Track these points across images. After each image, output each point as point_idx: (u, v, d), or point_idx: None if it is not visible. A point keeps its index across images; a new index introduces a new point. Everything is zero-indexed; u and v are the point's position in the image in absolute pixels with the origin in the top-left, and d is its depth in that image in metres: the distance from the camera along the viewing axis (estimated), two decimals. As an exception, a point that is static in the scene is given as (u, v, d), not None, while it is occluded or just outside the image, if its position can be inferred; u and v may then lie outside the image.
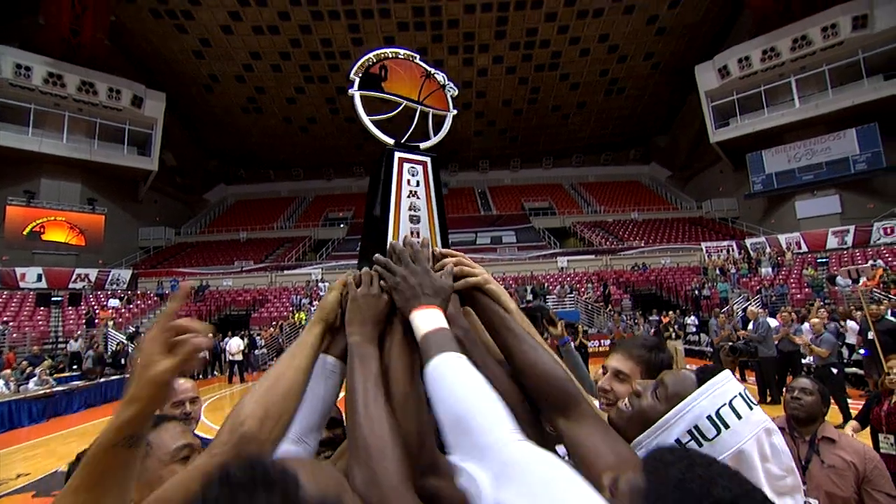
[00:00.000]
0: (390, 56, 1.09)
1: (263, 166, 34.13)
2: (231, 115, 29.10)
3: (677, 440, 0.72)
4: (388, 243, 0.92)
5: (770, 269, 18.33)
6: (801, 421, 2.09)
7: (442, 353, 0.67)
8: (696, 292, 17.45)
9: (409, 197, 1.00)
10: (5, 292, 18.12)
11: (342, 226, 29.54)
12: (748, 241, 21.47)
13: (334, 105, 28.39)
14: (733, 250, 21.20)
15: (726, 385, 0.74)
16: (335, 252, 26.36)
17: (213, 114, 28.89)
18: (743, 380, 8.61)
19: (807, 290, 15.86)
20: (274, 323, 17.71)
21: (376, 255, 0.88)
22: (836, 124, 20.49)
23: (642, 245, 24.08)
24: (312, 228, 29.22)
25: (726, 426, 0.70)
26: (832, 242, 19.38)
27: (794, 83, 21.50)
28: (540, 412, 0.77)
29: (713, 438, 0.70)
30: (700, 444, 0.70)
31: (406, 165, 1.02)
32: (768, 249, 20.23)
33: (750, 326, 8.64)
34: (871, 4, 18.90)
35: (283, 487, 0.41)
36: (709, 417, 0.71)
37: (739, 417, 0.71)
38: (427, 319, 0.75)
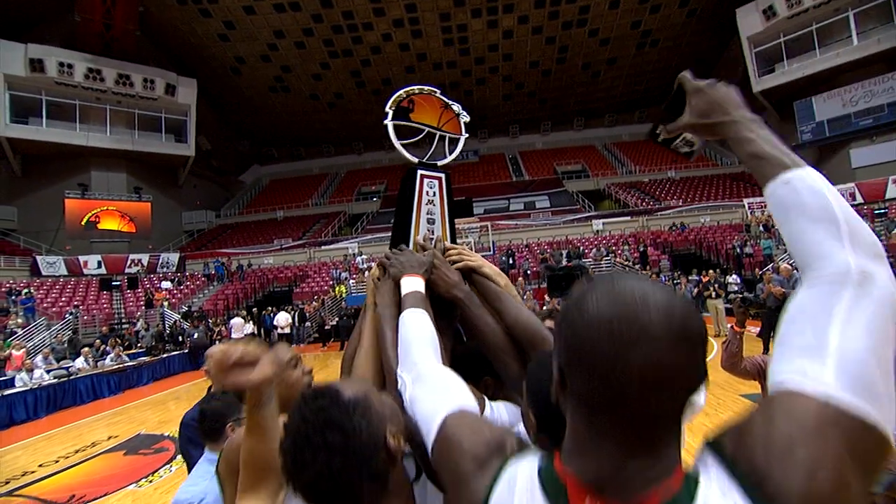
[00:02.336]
0: (416, 92, 1.40)
1: (294, 145, 34.76)
2: (259, 96, 29.59)
3: None
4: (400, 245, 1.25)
5: (819, 223, 17.37)
6: None
7: (409, 308, 1.00)
8: (738, 250, 16.88)
9: (427, 204, 1.31)
10: (72, 279, 19.65)
11: (375, 199, 29.94)
12: (796, 195, 20.33)
13: (360, 78, 28.33)
14: (779, 205, 20.16)
15: None
16: (370, 226, 26.87)
17: (242, 95, 29.45)
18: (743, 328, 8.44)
19: (860, 243, 15.02)
20: (316, 297, 18.45)
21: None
22: (900, 61, 18.70)
23: (680, 204, 23.29)
24: (346, 203, 29.78)
25: None
26: (893, 192, 18.09)
27: (852, 17, 19.63)
28: (526, 353, 1.05)
29: None
30: None
31: (426, 180, 1.32)
32: (818, 202, 19.11)
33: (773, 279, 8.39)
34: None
35: (330, 394, 0.75)
36: None
37: None
38: (408, 284, 1.07)
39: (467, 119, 1.42)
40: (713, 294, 11.27)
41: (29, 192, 22.63)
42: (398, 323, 1.00)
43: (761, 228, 18.46)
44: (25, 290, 16.92)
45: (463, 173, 31.42)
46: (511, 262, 18.90)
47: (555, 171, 30.35)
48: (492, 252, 20.88)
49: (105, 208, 23.17)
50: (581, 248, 19.87)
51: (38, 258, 20.08)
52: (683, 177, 26.86)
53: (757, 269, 13.61)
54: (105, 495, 4.74)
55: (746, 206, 20.94)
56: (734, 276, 14.57)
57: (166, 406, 9.03)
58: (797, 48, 21.38)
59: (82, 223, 22.48)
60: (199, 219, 28.77)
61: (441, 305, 1.14)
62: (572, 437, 0.54)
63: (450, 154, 1.41)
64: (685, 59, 28.52)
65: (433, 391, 0.75)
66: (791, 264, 9.81)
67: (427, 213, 1.31)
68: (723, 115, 0.67)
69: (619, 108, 32.70)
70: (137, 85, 22.83)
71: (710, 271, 14.09)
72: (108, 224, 23.27)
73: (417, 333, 0.91)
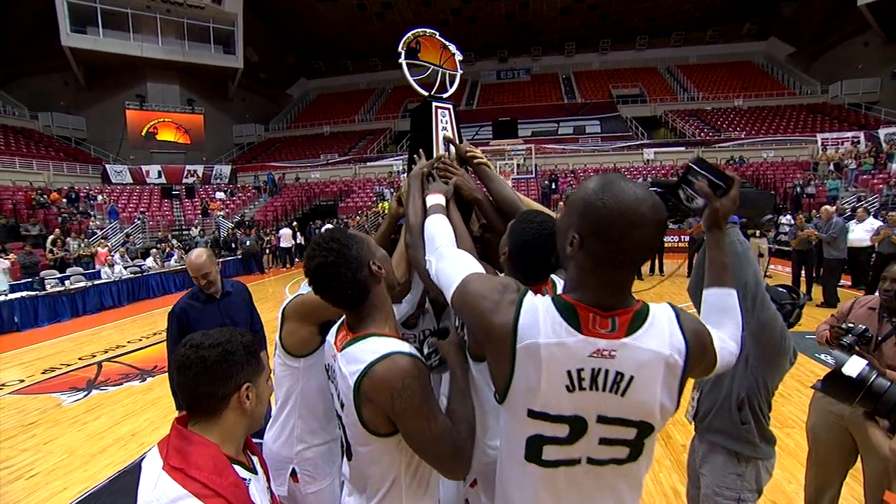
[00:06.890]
0: (421, 34, 1.67)
1: (341, 58, 33.95)
2: (305, 5, 28.57)
3: None
4: (425, 159, 1.62)
5: (904, 165, 15.70)
6: (893, 311, 2.06)
7: (433, 214, 1.32)
8: (799, 189, 15.81)
9: (442, 130, 1.62)
10: (137, 187, 21.17)
11: (420, 118, 29.32)
12: (882, 132, 18.29)
13: (407, -14, 26.66)
14: (859, 143, 18.35)
15: None
16: (413, 146, 26.64)
17: (288, 4, 28.54)
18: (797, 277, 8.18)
19: (945, 189, 13.66)
20: (360, 212, 19.10)
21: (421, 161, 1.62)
22: None
23: (742, 136, 21.59)
24: (392, 120, 29.43)
25: None
26: None
27: None
28: (506, 215, 1.45)
29: None
30: None
31: (439, 110, 1.64)
32: (909, 140, 17.17)
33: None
34: None
35: (339, 228, 1.12)
36: None
37: None
38: (432, 199, 1.40)
39: (461, 57, 1.75)
40: (757, 233, 10.85)
41: (94, 103, 23.84)
42: (423, 220, 1.36)
43: (831, 167, 17.05)
44: (101, 197, 18.52)
45: (512, 93, 30.03)
46: (553, 186, 18.65)
47: (610, 94, 28.46)
48: (533, 176, 20.50)
49: (162, 120, 24.18)
50: (627, 177, 19.15)
51: (108, 167, 21.63)
52: (752, 106, 24.55)
53: (814, 211, 12.83)
54: (182, 369, 5.68)
55: (819, 141, 19.20)
56: (787, 217, 13.84)
57: (226, 304, 10.14)
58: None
59: (142, 134, 23.70)
60: (248, 132, 29.51)
61: (466, 209, 1.52)
62: (577, 280, 0.89)
63: (451, 87, 1.72)
64: (777, -35, 24.84)
65: (452, 263, 1.07)
66: (833, 208, 9.29)
67: (443, 137, 1.64)
68: (727, 223, 1.09)
69: (690, 25, 29.40)
70: (184, -9, 22.62)
71: (760, 210, 13.37)
72: (166, 135, 24.41)
73: (439, 230, 1.24)
